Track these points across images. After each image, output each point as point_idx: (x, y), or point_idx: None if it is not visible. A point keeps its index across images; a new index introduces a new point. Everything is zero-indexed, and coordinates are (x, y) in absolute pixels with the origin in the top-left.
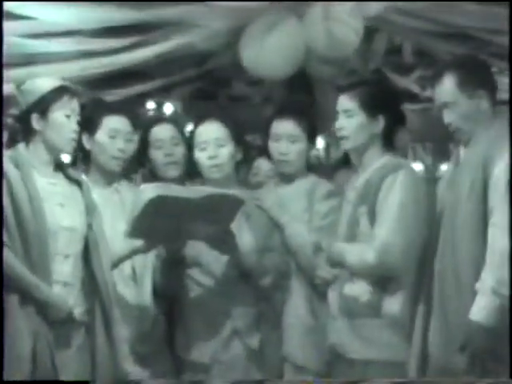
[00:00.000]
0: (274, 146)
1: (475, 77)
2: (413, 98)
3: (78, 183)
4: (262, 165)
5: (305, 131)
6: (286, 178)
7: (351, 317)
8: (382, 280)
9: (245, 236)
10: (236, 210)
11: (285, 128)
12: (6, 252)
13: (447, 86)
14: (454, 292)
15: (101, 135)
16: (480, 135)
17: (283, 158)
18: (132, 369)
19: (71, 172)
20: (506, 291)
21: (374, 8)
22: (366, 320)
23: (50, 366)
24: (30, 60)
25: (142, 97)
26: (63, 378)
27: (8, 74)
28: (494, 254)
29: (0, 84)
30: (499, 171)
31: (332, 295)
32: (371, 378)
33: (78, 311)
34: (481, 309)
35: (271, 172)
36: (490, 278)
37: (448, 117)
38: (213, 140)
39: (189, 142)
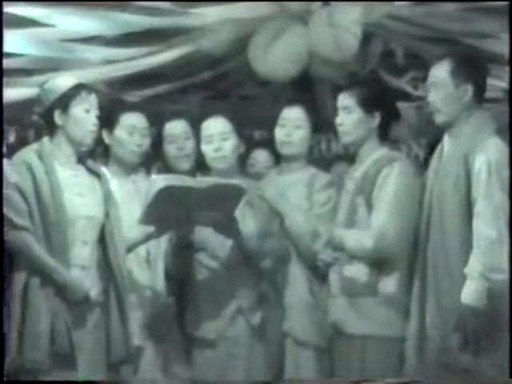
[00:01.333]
0: (279, 131)
1: (468, 72)
2: (406, 96)
3: (97, 175)
4: (260, 156)
5: (309, 120)
6: (286, 166)
7: (350, 296)
8: (379, 262)
9: (247, 222)
10: (239, 198)
11: (293, 114)
12: (29, 237)
13: (441, 69)
14: (446, 276)
15: (119, 131)
16: (461, 128)
17: (286, 139)
18: (144, 346)
19: (91, 164)
20: (492, 275)
21: (373, 15)
22: (364, 298)
23: (68, 343)
24: (54, 66)
25: (159, 97)
26: (79, 355)
27: (33, 79)
28: (480, 241)
29: (0, 86)
30: (480, 163)
31: (333, 276)
32: (367, 378)
33: (94, 293)
34: (471, 292)
35: (268, 163)
36: (477, 264)
37: (432, 96)
38: (217, 134)
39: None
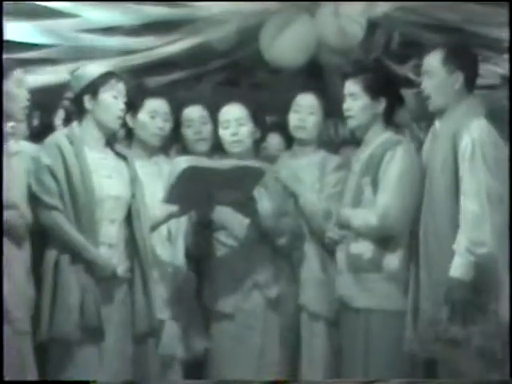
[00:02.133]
0: (293, 116)
1: (459, 60)
2: (409, 83)
3: (123, 158)
4: (273, 140)
5: (322, 107)
6: (299, 150)
7: (356, 272)
8: (383, 240)
9: (264, 202)
10: (258, 179)
11: (306, 101)
12: (60, 217)
13: (433, 58)
14: (436, 252)
15: (143, 115)
16: (451, 112)
17: (300, 124)
18: (166, 319)
19: (118, 148)
20: (477, 249)
21: (380, 7)
22: (369, 274)
23: (96, 317)
24: (76, 55)
25: (176, 83)
26: (107, 328)
27: (58, 68)
28: (466, 217)
29: (0, 81)
30: (465, 144)
31: (340, 253)
32: (378, 379)
33: (121, 269)
34: (458, 267)
35: (281, 146)
36: (464, 239)
37: (425, 83)
38: (234, 119)
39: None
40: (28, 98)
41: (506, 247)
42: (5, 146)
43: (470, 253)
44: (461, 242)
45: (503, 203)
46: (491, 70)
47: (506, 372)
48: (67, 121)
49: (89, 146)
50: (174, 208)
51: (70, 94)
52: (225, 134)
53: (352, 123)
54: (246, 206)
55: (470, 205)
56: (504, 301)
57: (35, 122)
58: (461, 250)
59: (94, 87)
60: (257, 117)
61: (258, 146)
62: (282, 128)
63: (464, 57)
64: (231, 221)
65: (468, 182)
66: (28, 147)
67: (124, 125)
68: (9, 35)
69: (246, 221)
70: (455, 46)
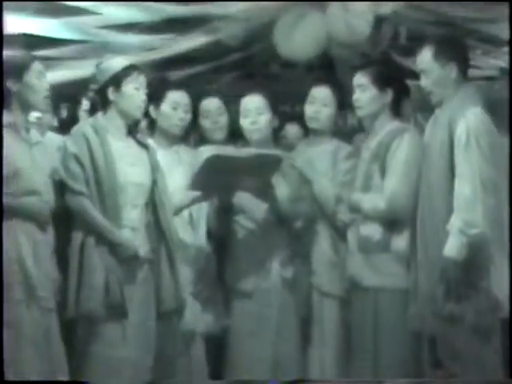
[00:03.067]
0: (309, 108)
1: (449, 51)
2: (413, 75)
3: (145, 147)
4: (291, 129)
5: (335, 99)
6: (314, 139)
7: (366, 252)
8: (391, 222)
9: (281, 188)
10: (276, 167)
11: (321, 93)
12: (86, 202)
13: (425, 56)
14: (432, 233)
15: (165, 106)
16: (448, 100)
17: (315, 116)
18: (188, 297)
19: (140, 137)
20: (470, 230)
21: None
22: (378, 255)
23: (119, 295)
24: (100, 50)
25: (196, 77)
26: (130, 305)
27: (87, 62)
28: (460, 200)
29: (0, 80)
30: (461, 131)
31: (350, 235)
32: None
33: (143, 251)
34: (452, 246)
35: (298, 135)
36: (457, 221)
37: (423, 81)
38: (254, 109)
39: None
40: (48, 88)
41: (497, 228)
42: (27, 136)
43: (463, 233)
44: (454, 223)
45: (495, 187)
46: (491, 63)
47: (497, 348)
48: (92, 112)
49: (112, 135)
50: (197, 193)
51: (94, 87)
52: (245, 122)
53: (361, 113)
54: (265, 191)
55: (464, 188)
56: (495, 278)
57: (63, 114)
58: (454, 231)
59: (117, 79)
60: (275, 107)
61: (276, 134)
62: (300, 118)
63: (453, 48)
64: (251, 205)
65: (462, 167)
66: (54, 137)
67: (146, 115)
68: (37, 31)
69: (265, 205)
70: (442, 40)
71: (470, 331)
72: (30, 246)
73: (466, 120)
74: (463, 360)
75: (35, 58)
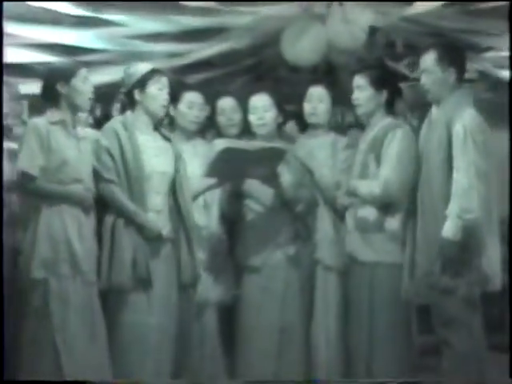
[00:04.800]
0: (307, 105)
1: (450, 58)
2: (404, 78)
3: (169, 139)
4: (292, 124)
5: (330, 96)
6: (313, 132)
7: (362, 232)
8: (385, 206)
9: (286, 176)
10: (281, 158)
11: (317, 92)
12: (116, 189)
13: (429, 58)
14: (432, 217)
15: (182, 106)
16: (445, 101)
17: (313, 111)
18: (203, 272)
19: (164, 132)
20: (465, 215)
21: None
22: (373, 234)
23: (145, 269)
24: (130, 57)
25: (211, 79)
26: (155, 278)
27: (117, 68)
28: (457, 189)
29: (0, 85)
30: (458, 128)
31: (348, 217)
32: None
33: (166, 231)
34: (449, 229)
35: (297, 130)
36: (455, 207)
37: (424, 79)
38: (261, 107)
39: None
40: (92, 92)
41: (488, 214)
42: (74, 131)
43: (460, 218)
44: (452, 209)
45: (487, 178)
46: (473, 67)
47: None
48: (122, 111)
49: (140, 130)
50: (212, 180)
51: (123, 89)
52: (253, 118)
53: (360, 110)
54: (271, 179)
55: (461, 178)
56: (485, 257)
57: (98, 113)
58: (452, 215)
59: (142, 82)
60: (279, 105)
61: (280, 129)
62: (299, 115)
63: (454, 55)
64: (259, 191)
65: (460, 160)
66: (92, 133)
67: (167, 114)
68: (74, 41)
69: (271, 191)
70: (445, 46)
71: (461, 302)
72: (76, 227)
73: (463, 120)
74: (454, 326)
75: (82, 64)
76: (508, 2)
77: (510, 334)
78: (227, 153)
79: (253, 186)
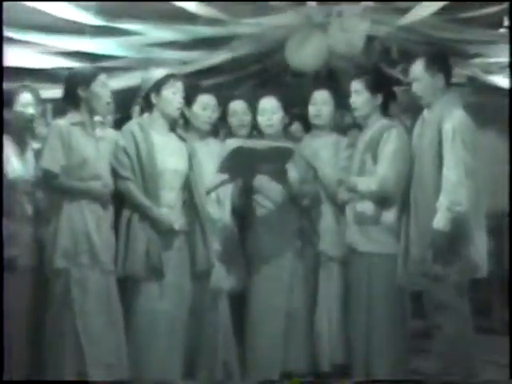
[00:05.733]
0: (312, 108)
1: (437, 64)
2: (398, 82)
3: (184, 139)
4: (297, 126)
5: (333, 99)
6: (317, 133)
7: (361, 224)
8: (381, 201)
9: (292, 173)
10: (288, 157)
11: (321, 95)
12: (132, 185)
13: (417, 67)
14: (423, 210)
15: (196, 107)
16: (436, 104)
17: (317, 113)
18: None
19: (180, 132)
20: (455, 208)
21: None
22: (371, 226)
23: (158, 260)
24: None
25: (222, 84)
26: (166, 269)
27: (136, 74)
28: (447, 184)
29: (0, 84)
30: (448, 127)
31: (348, 211)
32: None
33: (178, 224)
34: (440, 220)
35: (302, 130)
36: (445, 200)
37: (415, 87)
38: (269, 109)
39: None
40: (110, 96)
41: (475, 207)
42: (92, 132)
43: (449, 210)
44: (442, 202)
45: (475, 174)
46: (462, 73)
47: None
48: (141, 113)
49: (156, 131)
50: (225, 176)
51: (141, 93)
52: (261, 119)
53: (357, 113)
54: (279, 175)
55: (451, 174)
56: (473, 246)
57: (118, 115)
58: (442, 208)
59: (158, 86)
60: (286, 108)
61: (286, 129)
62: (304, 117)
63: (441, 62)
64: (268, 187)
65: (449, 158)
66: (111, 133)
67: (182, 115)
68: (95, 49)
69: (279, 187)
70: (432, 54)
71: (452, 288)
72: (95, 221)
73: (452, 120)
74: (444, 311)
75: (102, 70)
76: (508, 3)
77: (511, 334)
78: (238, 151)
79: (262, 181)
